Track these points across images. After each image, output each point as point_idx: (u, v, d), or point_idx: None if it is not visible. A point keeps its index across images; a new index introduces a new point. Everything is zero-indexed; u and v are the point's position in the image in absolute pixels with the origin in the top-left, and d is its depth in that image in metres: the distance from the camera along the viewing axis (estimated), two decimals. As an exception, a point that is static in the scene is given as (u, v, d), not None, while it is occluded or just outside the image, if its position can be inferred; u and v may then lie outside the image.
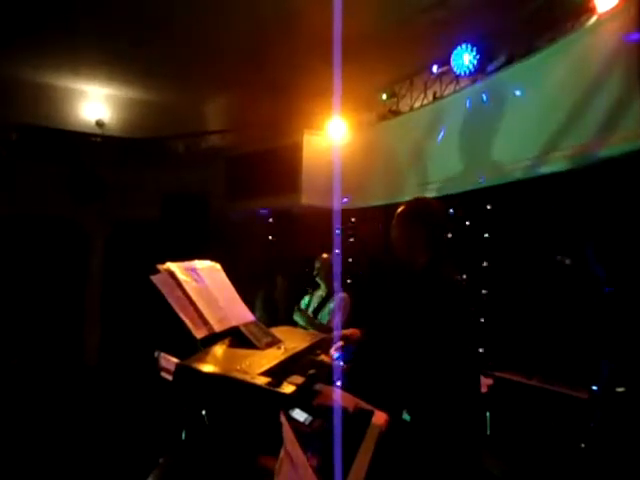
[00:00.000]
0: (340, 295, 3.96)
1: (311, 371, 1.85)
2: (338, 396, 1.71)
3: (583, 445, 2.79)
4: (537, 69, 3.45)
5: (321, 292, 4.08)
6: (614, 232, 3.00)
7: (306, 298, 4.21)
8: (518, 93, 3.57)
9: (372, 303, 4.01)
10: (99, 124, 6.35)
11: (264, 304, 4.93)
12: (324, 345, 2.12)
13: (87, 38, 4.88)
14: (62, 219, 6.36)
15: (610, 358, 2.86)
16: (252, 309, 2.27)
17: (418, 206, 2.00)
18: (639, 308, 2.84)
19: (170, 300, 1.80)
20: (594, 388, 2.83)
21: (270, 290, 5.00)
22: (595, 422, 2.76)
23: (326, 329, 3.54)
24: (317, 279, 4.19)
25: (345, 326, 3.82)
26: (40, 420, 4.36)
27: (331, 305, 3.93)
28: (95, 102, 6.39)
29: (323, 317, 3.91)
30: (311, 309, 4.10)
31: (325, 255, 4.10)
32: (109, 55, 5.26)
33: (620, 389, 2.76)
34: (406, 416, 1.85)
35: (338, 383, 1.96)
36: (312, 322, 3.83)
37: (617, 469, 2.62)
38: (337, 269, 4.06)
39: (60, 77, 5.95)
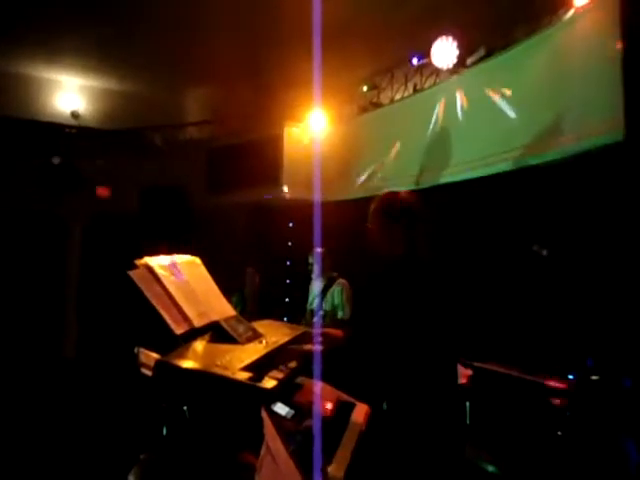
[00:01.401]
0: (340, 281, 4.06)
1: (292, 364, 1.84)
2: (319, 390, 1.72)
3: (560, 433, 2.85)
4: (516, 62, 3.49)
5: (320, 283, 4.16)
6: (594, 225, 3.05)
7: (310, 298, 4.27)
8: (497, 86, 3.60)
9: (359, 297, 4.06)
10: (74, 115, 6.19)
11: (237, 298, 4.92)
12: (306, 339, 2.11)
13: (61, 26, 4.74)
14: (39, 212, 6.22)
15: (588, 349, 2.93)
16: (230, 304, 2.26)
17: (388, 201, 2.01)
18: (615, 299, 2.91)
19: (148, 295, 1.78)
20: (570, 377, 2.90)
21: (241, 284, 4.98)
22: (571, 410, 2.82)
23: (338, 324, 3.62)
24: (312, 274, 4.25)
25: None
26: (18, 414, 4.28)
27: (334, 294, 4.03)
28: (70, 93, 6.22)
29: (327, 306, 4.00)
30: (312, 301, 4.17)
31: (319, 249, 4.17)
32: (84, 44, 5.12)
33: (595, 377, 2.82)
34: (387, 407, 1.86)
35: (319, 375, 1.96)
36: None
37: (591, 455, 2.69)
38: (321, 262, 4.10)
39: (34, 67, 5.77)
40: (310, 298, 4.34)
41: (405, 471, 1.65)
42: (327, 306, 4.05)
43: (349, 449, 1.54)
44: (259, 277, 5.06)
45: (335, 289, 4.09)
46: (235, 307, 2.30)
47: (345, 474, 1.33)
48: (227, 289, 2.31)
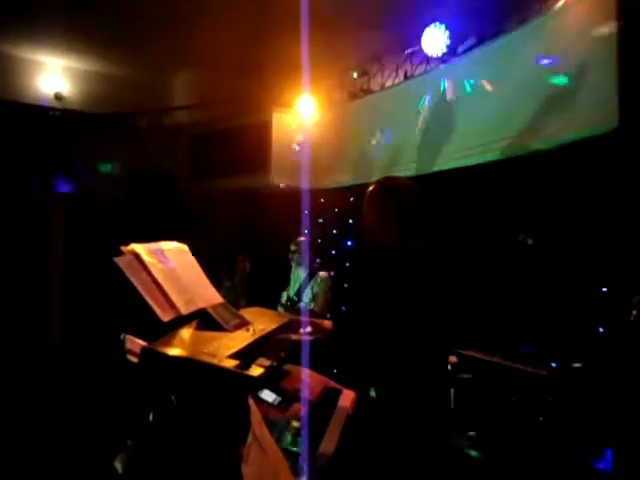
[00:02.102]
0: (321, 274, 4.05)
1: (280, 352, 1.85)
2: (306, 377, 1.72)
3: (541, 418, 2.91)
4: (507, 50, 3.48)
5: (301, 273, 4.14)
6: (582, 214, 3.07)
7: (284, 295, 4.25)
8: (488, 74, 3.59)
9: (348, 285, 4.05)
10: (58, 97, 6.05)
11: (227, 286, 4.90)
12: (293, 326, 2.11)
13: (45, 6, 4.62)
14: (21, 197, 6.11)
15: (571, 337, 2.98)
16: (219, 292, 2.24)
17: (387, 185, 1.96)
18: (600, 288, 2.95)
19: (135, 283, 1.76)
20: (552, 365, 2.95)
21: (231, 271, 4.95)
22: (553, 397, 2.88)
23: (313, 315, 3.62)
24: (292, 262, 4.22)
25: (328, 305, 3.92)
26: (3, 402, 4.25)
27: (314, 285, 4.02)
28: (54, 74, 6.08)
29: (307, 297, 3.99)
30: (292, 292, 4.15)
31: (302, 238, 4.15)
32: (68, 25, 5.00)
33: (577, 365, 2.88)
34: (373, 394, 1.87)
35: (307, 364, 1.96)
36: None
37: (572, 440, 2.75)
38: (307, 250, 4.09)
39: (17, 47, 5.63)
40: (290, 287, 4.32)
41: (390, 455, 1.67)
42: (306, 297, 4.04)
43: (337, 431, 1.55)
44: (249, 265, 5.03)
45: (316, 280, 4.08)
46: (224, 295, 2.29)
47: (334, 453, 1.34)
48: (216, 277, 2.29)
